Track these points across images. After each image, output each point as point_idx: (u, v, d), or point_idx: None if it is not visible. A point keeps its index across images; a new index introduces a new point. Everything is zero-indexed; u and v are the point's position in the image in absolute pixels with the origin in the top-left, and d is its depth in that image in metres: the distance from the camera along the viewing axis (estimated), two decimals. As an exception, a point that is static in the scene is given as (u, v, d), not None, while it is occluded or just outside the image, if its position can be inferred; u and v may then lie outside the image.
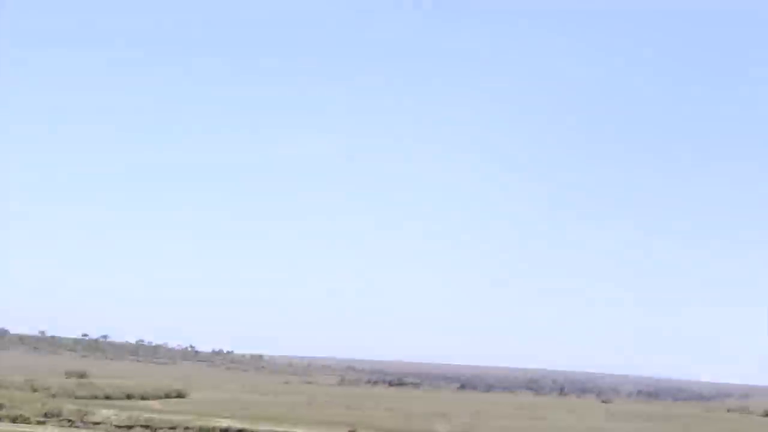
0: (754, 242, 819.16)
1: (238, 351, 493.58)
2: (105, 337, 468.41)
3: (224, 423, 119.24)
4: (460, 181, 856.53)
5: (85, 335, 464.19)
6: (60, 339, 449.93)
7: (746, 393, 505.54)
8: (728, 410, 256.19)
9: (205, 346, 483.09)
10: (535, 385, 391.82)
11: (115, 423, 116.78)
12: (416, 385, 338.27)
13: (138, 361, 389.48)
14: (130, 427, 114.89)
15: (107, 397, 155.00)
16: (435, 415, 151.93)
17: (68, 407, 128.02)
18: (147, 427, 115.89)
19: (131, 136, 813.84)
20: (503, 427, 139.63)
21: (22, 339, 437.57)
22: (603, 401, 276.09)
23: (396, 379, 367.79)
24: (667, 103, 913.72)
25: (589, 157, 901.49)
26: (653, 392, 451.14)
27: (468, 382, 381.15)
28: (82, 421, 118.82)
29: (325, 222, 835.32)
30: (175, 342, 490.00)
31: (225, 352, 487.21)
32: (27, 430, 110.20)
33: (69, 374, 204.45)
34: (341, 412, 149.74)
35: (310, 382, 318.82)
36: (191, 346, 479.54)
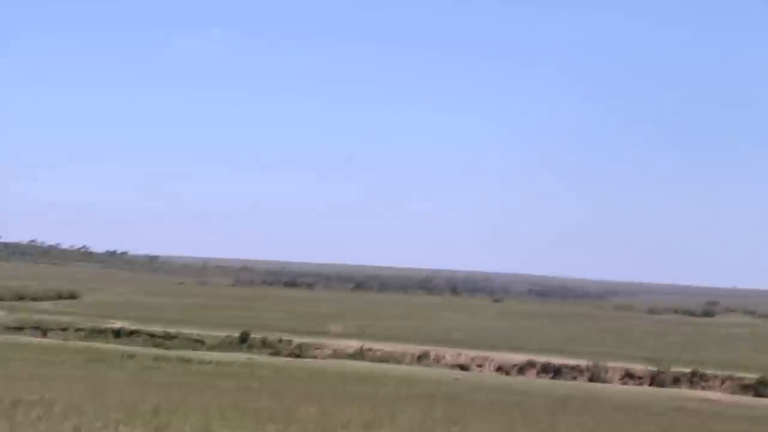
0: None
1: (132, 252, 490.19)
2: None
3: (117, 324, 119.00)
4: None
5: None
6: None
7: (633, 291, 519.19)
8: (615, 308, 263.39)
9: (98, 248, 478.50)
10: (428, 284, 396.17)
11: (4, 324, 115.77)
12: (310, 286, 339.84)
13: (30, 262, 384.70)
14: (20, 328, 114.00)
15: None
16: (329, 316, 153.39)
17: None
18: (37, 328, 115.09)
19: None
20: (397, 326, 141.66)
21: None
22: (495, 300, 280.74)
23: (290, 279, 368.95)
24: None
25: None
26: (544, 291, 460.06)
27: (362, 283, 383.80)
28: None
29: (212, 121, 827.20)
30: (68, 243, 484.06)
31: (119, 253, 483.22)
32: None
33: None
34: (236, 314, 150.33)
35: (204, 283, 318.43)
36: (85, 247, 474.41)
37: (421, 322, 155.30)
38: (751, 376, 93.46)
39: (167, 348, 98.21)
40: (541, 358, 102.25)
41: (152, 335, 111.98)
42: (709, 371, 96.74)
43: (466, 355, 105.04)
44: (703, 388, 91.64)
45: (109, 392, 37.70)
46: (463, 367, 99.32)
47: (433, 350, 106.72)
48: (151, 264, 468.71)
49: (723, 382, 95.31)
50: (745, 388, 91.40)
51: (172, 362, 71.28)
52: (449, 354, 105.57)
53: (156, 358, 73.83)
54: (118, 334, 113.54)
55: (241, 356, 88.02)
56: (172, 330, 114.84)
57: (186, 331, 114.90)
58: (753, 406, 69.33)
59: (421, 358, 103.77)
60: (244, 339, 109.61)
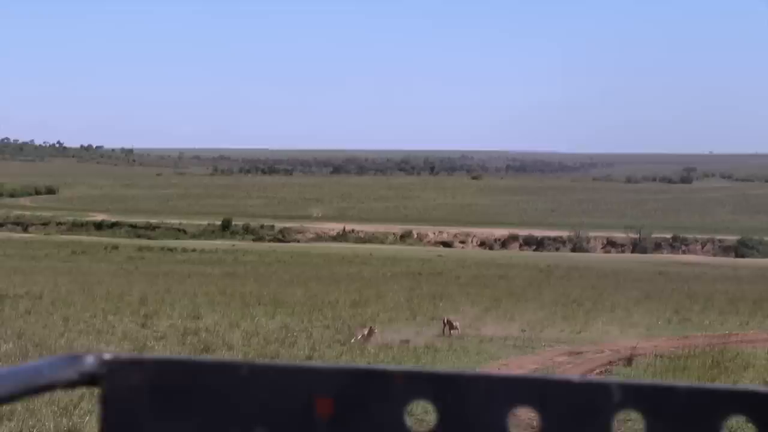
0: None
1: (107, 146, 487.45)
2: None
3: (98, 217, 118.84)
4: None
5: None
6: None
7: (610, 162, 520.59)
8: (594, 179, 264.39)
9: (73, 142, 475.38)
10: (406, 165, 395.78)
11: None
12: (289, 172, 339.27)
13: (4, 159, 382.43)
14: (0, 224, 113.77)
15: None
16: (309, 200, 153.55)
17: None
18: (18, 223, 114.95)
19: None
20: (376, 208, 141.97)
21: None
22: (473, 178, 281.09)
23: (268, 166, 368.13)
24: None
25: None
26: (522, 167, 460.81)
27: (341, 167, 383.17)
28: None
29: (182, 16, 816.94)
30: (41, 139, 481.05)
31: (94, 147, 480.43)
32: None
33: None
34: (216, 202, 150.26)
35: (182, 174, 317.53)
36: (59, 143, 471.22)
37: (401, 203, 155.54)
38: (731, 238, 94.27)
39: (150, 238, 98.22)
40: (523, 232, 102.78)
41: (134, 226, 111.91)
42: (689, 235, 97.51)
43: (448, 232, 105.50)
44: (685, 252, 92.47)
45: (95, 284, 37.69)
46: (446, 244, 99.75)
47: (416, 229, 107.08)
48: (127, 157, 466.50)
49: (704, 245, 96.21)
50: (726, 250, 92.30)
51: (155, 252, 71.31)
52: (431, 232, 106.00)
53: (140, 249, 73.84)
54: (99, 226, 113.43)
55: (224, 243, 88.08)
56: (153, 220, 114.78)
57: (168, 221, 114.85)
58: (734, 267, 70.01)
59: (404, 237, 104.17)
60: (226, 226, 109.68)
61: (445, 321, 25.68)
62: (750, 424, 0.98)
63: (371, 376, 1.03)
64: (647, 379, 0.91)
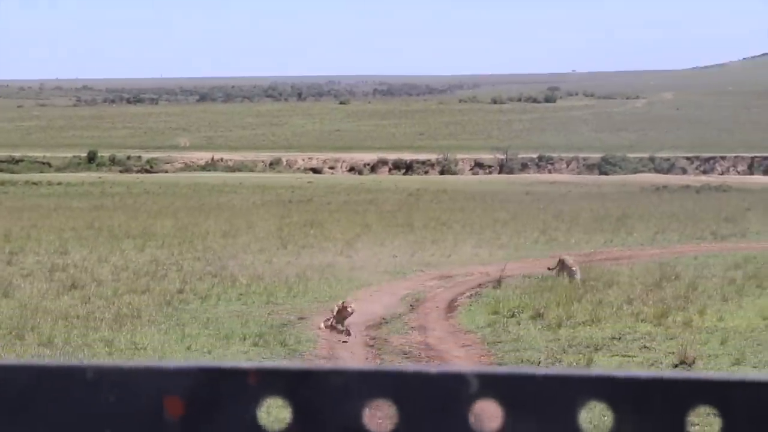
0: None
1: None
2: None
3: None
4: None
5: None
6: None
7: (476, 84, 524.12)
8: (460, 101, 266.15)
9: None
10: (273, 92, 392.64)
11: None
12: (154, 101, 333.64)
13: None
14: None
15: None
16: (176, 130, 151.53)
17: None
18: None
19: None
20: (244, 136, 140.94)
21: None
22: (341, 103, 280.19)
23: (133, 96, 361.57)
24: None
25: None
26: (389, 90, 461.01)
27: (207, 95, 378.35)
28: None
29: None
30: None
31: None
32: None
33: None
34: (80, 133, 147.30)
35: (44, 105, 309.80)
36: None
37: (269, 130, 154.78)
38: (595, 156, 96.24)
39: (13, 172, 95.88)
40: (392, 156, 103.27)
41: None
42: (554, 154, 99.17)
43: (317, 158, 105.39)
44: (551, 171, 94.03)
45: (-44, 222, 36.73)
46: (315, 171, 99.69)
47: (285, 156, 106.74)
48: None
49: (568, 163, 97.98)
50: (590, 168, 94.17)
51: (19, 186, 69.73)
52: (300, 158, 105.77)
53: (2, 183, 72.07)
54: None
55: (90, 176, 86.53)
56: (16, 154, 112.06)
57: (30, 154, 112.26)
58: (598, 184, 71.55)
59: (273, 164, 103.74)
60: (91, 158, 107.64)
61: (560, 262, 22.58)
62: (609, 413, 0.97)
63: (223, 374, 1.01)
64: (504, 368, 1.03)
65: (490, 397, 0.98)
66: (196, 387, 1.00)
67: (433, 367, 0.98)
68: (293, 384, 0.99)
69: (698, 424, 2.09)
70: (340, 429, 1.00)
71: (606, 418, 0.97)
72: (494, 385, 0.98)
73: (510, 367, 1.01)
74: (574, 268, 21.97)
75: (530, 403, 0.97)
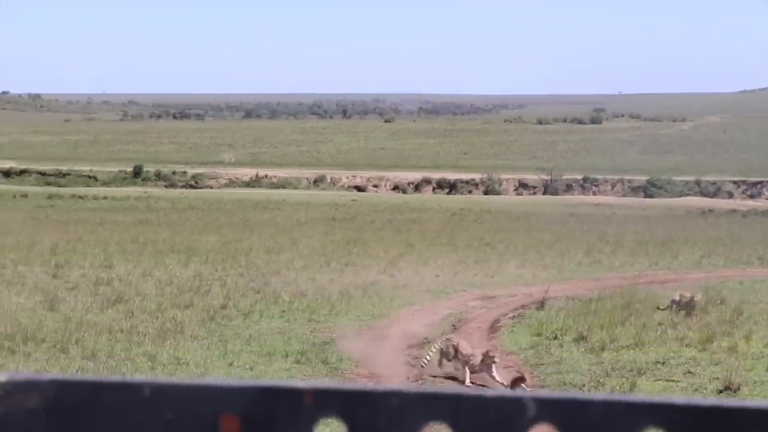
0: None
1: (14, 91, 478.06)
2: None
3: (6, 164, 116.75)
4: None
5: None
6: None
7: (521, 104, 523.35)
8: (505, 121, 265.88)
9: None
10: (318, 109, 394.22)
11: None
12: (200, 117, 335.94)
13: None
14: None
15: None
16: (221, 145, 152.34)
17: None
18: None
19: None
20: (289, 152, 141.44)
21: None
22: (386, 121, 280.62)
23: (179, 111, 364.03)
24: None
25: None
26: (434, 109, 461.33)
27: (252, 111, 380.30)
28: None
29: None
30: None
31: (0, 92, 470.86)
32: None
33: None
34: (127, 148, 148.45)
35: (91, 119, 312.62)
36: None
37: (314, 147, 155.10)
38: (640, 178, 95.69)
39: (60, 186, 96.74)
40: (436, 175, 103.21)
41: (43, 174, 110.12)
42: (599, 176, 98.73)
43: (361, 176, 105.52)
44: (595, 193, 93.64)
45: (3, 233, 37.09)
46: (359, 189, 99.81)
47: (329, 173, 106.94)
48: (35, 102, 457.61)
49: (613, 185, 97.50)
50: (635, 190, 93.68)
51: (66, 200, 70.33)
52: (345, 176, 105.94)
53: (50, 197, 72.72)
54: (7, 174, 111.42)
55: (135, 190, 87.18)
56: (63, 168, 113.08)
57: (77, 168, 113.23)
58: (643, 207, 71.13)
59: (317, 181, 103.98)
60: (137, 173, 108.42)
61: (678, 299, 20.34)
62: None
63: (279, 393, 1.01)
64: (562, 393, 1.05)
65: (547, 422, 0.97)
66: (252, 405, 1.00)
67: (490, 392, 0.97)
68: (349, 404, 0.99)
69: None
70: None
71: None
72: (551, 410, 0.97)
73: (567, 392, 1.02)
74: (696, 298, 19.96)
75: (587, 429, 0.96)
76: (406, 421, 0.98)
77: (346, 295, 22.54)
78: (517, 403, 0.96)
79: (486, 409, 0.96)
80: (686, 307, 19.75)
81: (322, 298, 22.00)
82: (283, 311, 20.35)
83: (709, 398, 0.98)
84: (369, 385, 0.96)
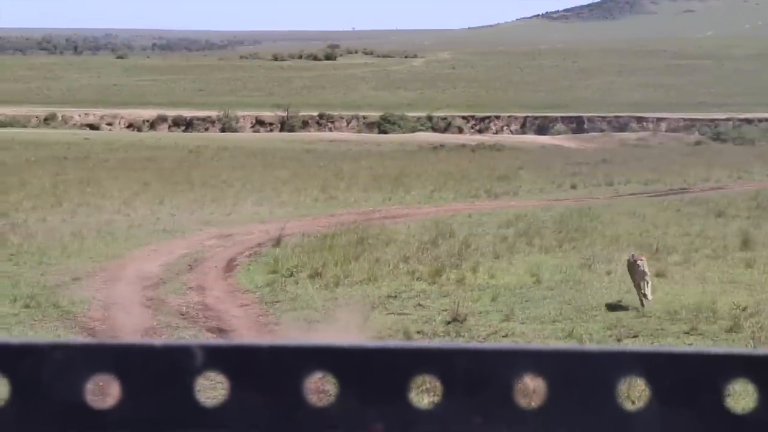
0: None
1: None
2: None
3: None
4: None
5: None
6: None
7: (256, 40, 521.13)
8: (240, 57, 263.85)
9: None
10: (48, 44, 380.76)
11: None
12: None
13: None
14: None
15: None
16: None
17: None
18: None
19: None
20: (18, 89, 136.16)
21: None
22: (118, 57, 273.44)
23: None
24: None
25: None
26: (167, 45, 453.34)
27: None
28: None
29: None
30: None
31: None
32: None
33: None
34: None
35: None
36: None
37: (44, 83, 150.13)
38: (374, 114, 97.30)
39: None
40: (172, 112, 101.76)
41: None
42: (335, 113, 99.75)
43: (94, 114, 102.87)
44: (331, 130, 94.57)
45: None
46: (92, 127, 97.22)
47: (60, 111, 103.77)
48: None
49: (349, 122, 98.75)
50: (370, 126, 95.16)
51: None
52: (77, 114, 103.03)
53: None
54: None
55: None
56: None
57: None
58: (377, 143, 72.40)
59: (48, 119, 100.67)
60: None
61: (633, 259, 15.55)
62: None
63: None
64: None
65: (213, 370, 0.94)
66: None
67: (158, 342, 0.93)
68: (11, 359, 0.94)
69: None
70: (61, 404, 0.94)
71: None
72: (218, 356, 0.94)
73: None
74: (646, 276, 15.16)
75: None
76: (73, 373, 0.93)
77: (79, 236, 22.06)
78: (185, 350, 0.94)
79: (153, 359, 0.94)
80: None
81: (53, 239, 21.47)
82: (12, 254, 19.75)
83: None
84: (33, 338, 0.97)
